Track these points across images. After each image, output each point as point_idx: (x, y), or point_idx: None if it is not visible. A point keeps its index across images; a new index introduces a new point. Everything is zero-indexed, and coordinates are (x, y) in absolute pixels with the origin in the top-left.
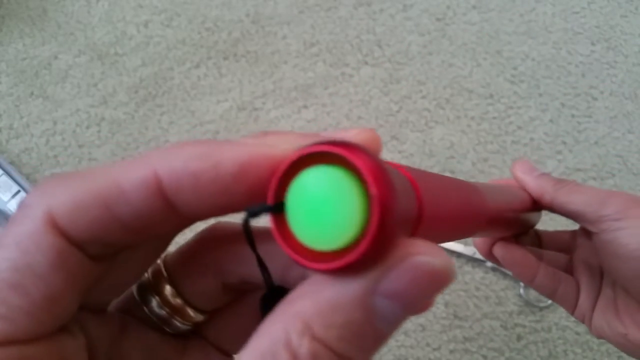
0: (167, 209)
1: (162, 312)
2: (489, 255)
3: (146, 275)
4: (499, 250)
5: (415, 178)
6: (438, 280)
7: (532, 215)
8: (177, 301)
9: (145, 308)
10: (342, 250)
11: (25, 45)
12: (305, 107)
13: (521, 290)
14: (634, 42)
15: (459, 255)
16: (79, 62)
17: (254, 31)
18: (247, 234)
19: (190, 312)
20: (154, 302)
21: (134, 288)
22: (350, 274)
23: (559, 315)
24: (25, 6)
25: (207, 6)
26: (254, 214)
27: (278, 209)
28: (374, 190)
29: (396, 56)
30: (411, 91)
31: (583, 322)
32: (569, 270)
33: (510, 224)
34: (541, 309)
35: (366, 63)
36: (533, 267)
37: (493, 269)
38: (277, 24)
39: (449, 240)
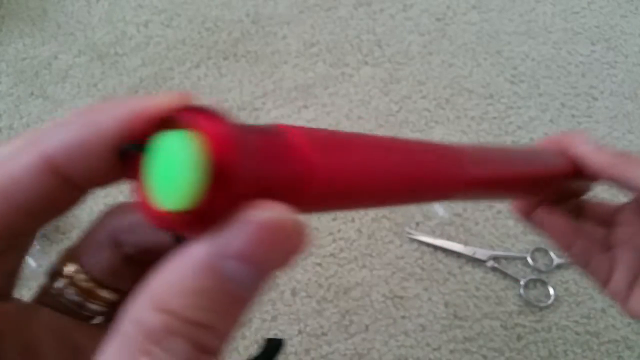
0: (66, 185)
1: (76, 298)
2: (528, 217)
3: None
4: (540, 214)
5: (316, 143)
6: (281, 235)
7: (573, 183)
8: (88, 284)
9: (59, 295)
10: (186, 212)
11: (25, 45)
12: (305, 107)
13: (521, 290)
14: (634, 42)
15: (459, 255)
16: (79, 62)
17: (254, 31)
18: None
19: (102, 292)
20: (66, 288)
21: (46, 278)
22: (196, 238)
23: (559, 315)
24: (25, 6)
25: (207, 6)
26: (124, 152)
27: (141, 149)
28: (210, 153)
29: (396, 56)
30: (411, 91)
31: (614, 299)
32: (606, 244)
33: (527, 188)
34: (541, 309)
35: (366, 63)
36: (571, 236)
37: (493, 269)
38: (277, 24)
39: (394, 203)
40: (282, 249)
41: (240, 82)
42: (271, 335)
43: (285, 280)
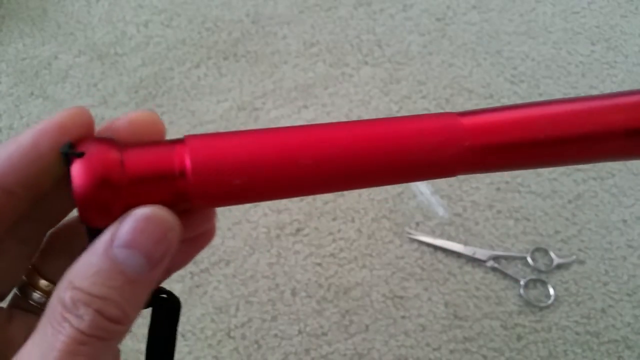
0: (8, 196)
1: (43, 299)
2: None
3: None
4: None
5: (199, 155)
6: (155, 226)
7: None
8: (49, 286)
9: (38, 304)
10: (81, 208)
11: (25, 45)
12: (305, 107)
13: (521, 290)
14: (634, 42)
15: (459, 255)
16: (79, 62)
17: (254, 31)
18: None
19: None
20: (45, 299)
21: (19, 292)
22: (101, 231)
23: (559, 315)
24: (25, 6)
25: (207, 6)
26: (66, 153)
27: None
28: (71, 175)
29: (396, 56)
30: (411, 91)
31: None
32: None
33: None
34: (541, 309)
35: (366, 63)
36: None
37: (493, 269)
38: (277, 24)
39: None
40: (157, 237)
41: (240, 82)
42: (271, 335)
43: (285, 280)
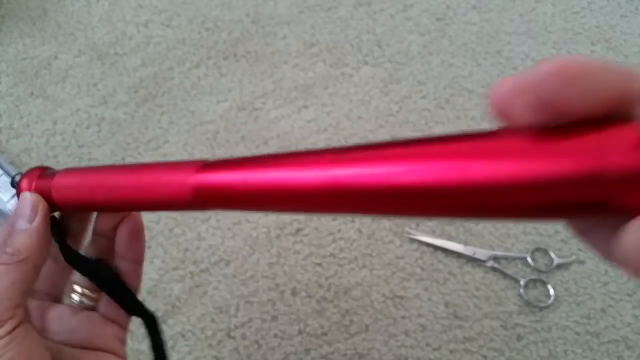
0: None
1: (87, 302)
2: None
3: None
4: None
5: (60, 183)
6: (25, 199)
7: None
8: (91, 294)
9: (78, 303)
10: None
11: (25, 45)
12: (305, 107)
13: (521, 290)
14: (634, 42)
15: (459, 255)
16: (79, 62)
17: (254, 31)
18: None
19: (94, 294)
20: (81, 300)
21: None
22: None
23: (559, 315)
24: (25, 6)
25: (207, 6)
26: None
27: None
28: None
29: (396, 56)
30: (411, 91)
31: None
32: None
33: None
34: (541, 309)
35: (366, 63)
36: None
37: (493, 269)
38: (277, 24)
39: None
40: (27, 204)
41: (240, 82)
42: (271, 335)
43: (285, 280)
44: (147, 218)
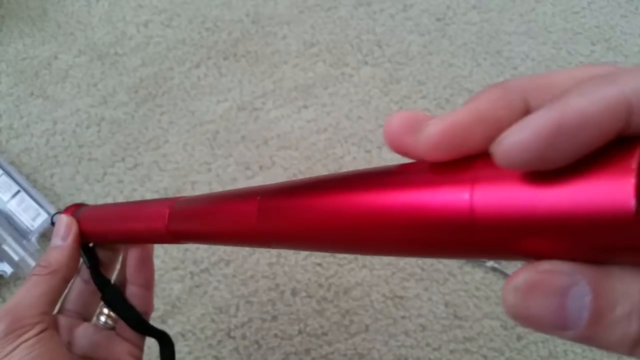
0: None
1: (110, 323)
2: None
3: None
4: None
5: (86, 216)
6: (61, 221)
7: None
8: (114, 317)
9: (104, 324)
10: None
11: (25, 45)
12: (305, 107)
13: None
14: (634, 42)
15: None
16: (79, 62)
17: (254, 31)
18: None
19: (113, 315)
20: (107, 321)
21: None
22: None
23: None
24: (25, 6)
25: (207, 6)
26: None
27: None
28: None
29: (396, 56)
30: (411, 91)
31: None
32: None
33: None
34: None
35: (366, 63)
36: None
37: (493, 269)
38: (277, 24)
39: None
40: (62, 225)
41: (240, 82)
42: (271, 335)
43: (286, 280)
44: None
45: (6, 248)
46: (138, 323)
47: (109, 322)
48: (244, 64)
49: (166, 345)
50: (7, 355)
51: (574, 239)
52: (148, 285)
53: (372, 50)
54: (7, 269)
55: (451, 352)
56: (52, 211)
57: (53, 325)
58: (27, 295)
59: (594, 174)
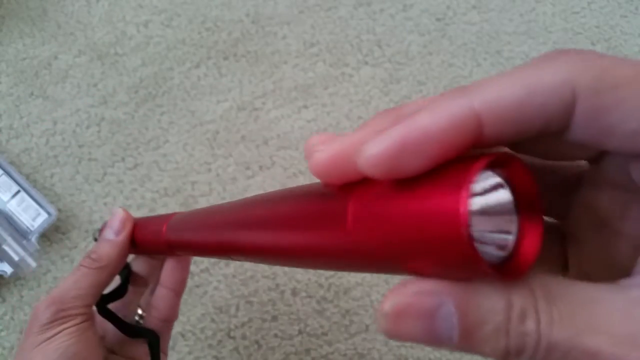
0: None
1: (137, 318)
2: None
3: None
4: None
5: (172, 223)
6: (116, 215)
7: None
8: (143, 314)
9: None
10: None
11: (25, 45)
12: (305, 107)
13: None
14: (634, 42)
15: None
16: (79, 62)
17: (254, 31)
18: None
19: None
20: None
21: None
22: None
23: None
24: (25, 6)
25: (207, 6)
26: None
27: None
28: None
29: (396, 56)
30: (411, 91)
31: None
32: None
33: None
34: None
35: (366, 63)
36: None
37: None
38: (277, 24)
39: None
40: (118, 219)
41: (240, 82)
42: (271, 335)
43: (286, 280)
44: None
45: (6, 248)
46: (128, 329)
47: (141, 322)
48: (244, 64)
49: (155, 345)
50: (46, 340)
51: (427, 253)
52: (179, 289)
53: (372, 50)
54: (7, 269)
55: (451, 352)
56: (53, 211)
57: (92, 317)
58: (74, 286)
59: (435, 187)
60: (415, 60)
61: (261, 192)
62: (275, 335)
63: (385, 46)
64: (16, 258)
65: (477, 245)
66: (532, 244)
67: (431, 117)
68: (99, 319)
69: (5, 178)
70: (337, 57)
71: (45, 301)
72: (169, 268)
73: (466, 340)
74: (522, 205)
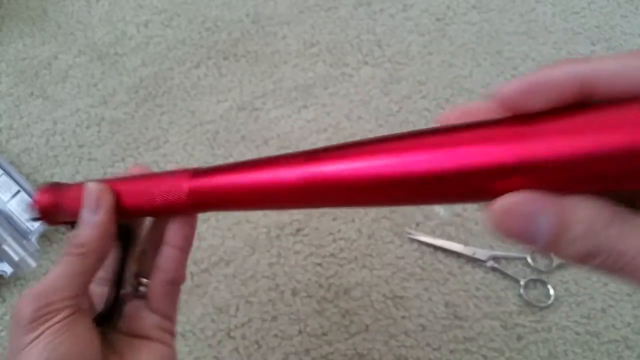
0: None
1: (142, 289)
2: None
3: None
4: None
5: (119, 188)
6: (89, 189)
7: None
8: (141, 280)
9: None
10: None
11: (25, 45)
12: (305, 107)
13: (521, 290)
14: (634, 42)
15: (459, 255)
16: (79, 62)
17: (254, 31)
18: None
19: (144, 281)
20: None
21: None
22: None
23: (559, 315)
24: (25, 6)
25: (207, 6)
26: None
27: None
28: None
29: (396, 56)
30: (411, 91)
31: None
32: None
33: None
34: (541, 309)
35: (366, 63)
36: None
37: (493, 269)
38: (277, 24)
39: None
40: (93, 195)
41: (240, 82)
42: (271, 335)
43: (286, 280)
44: (147, 218)
45: (6, 248)
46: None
47: (142, 289)
48: (244, 64)
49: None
50: (31, 342)
51: (564, 172)
52: (186, 247)
53: (372, 50)
54: (7, 269)
55: (451, 352)
56: None
57: (82, 306)
58: (57, 277)
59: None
60: (415, 60)
61: None
62: (275, 335)
63: (385, 46)
64: (16, 258)
65: None
66: None
67: (552, 69)
68: (97, 292)
69: (5, 178)
70: (337, 57)
71: (26, 297)
72: (176, 226)
73: (555, 241)
74: None
